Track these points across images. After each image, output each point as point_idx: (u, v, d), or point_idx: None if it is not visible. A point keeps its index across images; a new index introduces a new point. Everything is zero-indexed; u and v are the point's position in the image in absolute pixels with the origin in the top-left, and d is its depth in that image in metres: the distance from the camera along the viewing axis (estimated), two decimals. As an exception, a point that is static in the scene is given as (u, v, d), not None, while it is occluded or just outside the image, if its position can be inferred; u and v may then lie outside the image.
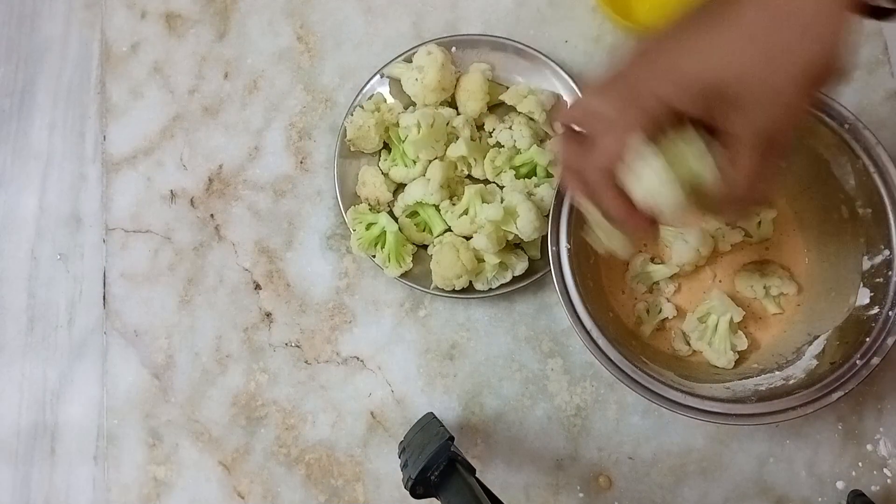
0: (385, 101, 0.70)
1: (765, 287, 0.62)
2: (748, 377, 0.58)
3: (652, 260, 0.65)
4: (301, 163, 0.74)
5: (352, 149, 0.69)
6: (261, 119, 0.76)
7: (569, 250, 0.56)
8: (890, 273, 0.53)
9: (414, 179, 0.67)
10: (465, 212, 0.65)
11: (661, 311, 0.64)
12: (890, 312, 0.53)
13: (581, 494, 0.64)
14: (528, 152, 0.66)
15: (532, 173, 0.67)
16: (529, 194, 0.64)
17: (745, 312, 0.61)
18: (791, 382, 0.55)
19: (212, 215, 0.74)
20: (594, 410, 0.65)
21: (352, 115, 0.68)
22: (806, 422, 0.63)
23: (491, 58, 0.70)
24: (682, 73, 0.35)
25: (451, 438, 0.55)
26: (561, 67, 0.68)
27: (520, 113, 0.68)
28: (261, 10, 0.78)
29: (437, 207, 0.66)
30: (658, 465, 0.64)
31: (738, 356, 0.61)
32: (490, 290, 0.65)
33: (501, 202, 0.63)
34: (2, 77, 0.82)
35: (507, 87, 0.69)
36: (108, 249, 0.75)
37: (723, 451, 0.63)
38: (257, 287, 0.72)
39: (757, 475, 0.63)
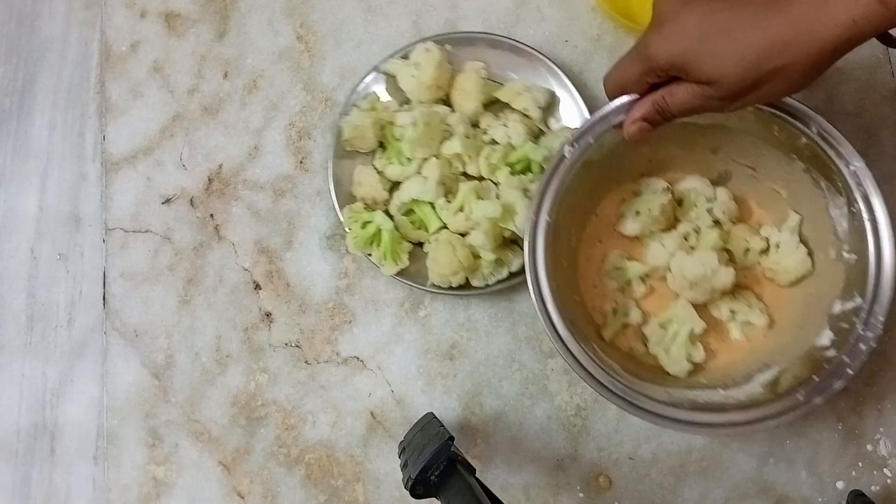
0: (379, 100, 0.70)
1: (731, 311, 0.62)
2: (691, 388, 0.58)
3: (628, 258, 0.65)
4: (301, 162, 0.74)
5: (348, 148, 0.69)
6: (260, 119, 0.76)
7: (548, 223, 0.56)
8: (856, 321, 0.53)
9: (409, 177, 0.67)
10: (461, 209, 0.65)
11: (627, 315, 0.63)
12: (844, 357, 0.52)
13: (581, 494, 0.64)
14: (522, 149, 0.66)
15: (527, 170, 0.67)
16: (525, 191, 0.64)
17: (706, 326, 0.61)
18: (729, 402, 0.55)
19: (211, 215, 0.74)
20: (594, 410, 0.65)
21: (347, 114, 0.68)
22: (806, 422, 0.63)
23: (486, 55, 0.70)
24: (656, 51, 0.48)
25: (451, 438, 0.55)
26: (560, 67, 0.68)
27: (514, 110, 0.68)
28: (261, 10, 0.78)
29: (432, 205, 0.67)
30: (658, 465, 0.64)
31: (692, 367, 0.61)
32: (487, 286, 0.65)
33: (497, 199, 0.63)
34: (2, 77, 0.82)
35: (502, 84, 0.69)
36: (107, 249, 0.75)
37: (723, 450, 0.63)
38: (257, 287, 0.72)
39: (757, 475, 0.63)
